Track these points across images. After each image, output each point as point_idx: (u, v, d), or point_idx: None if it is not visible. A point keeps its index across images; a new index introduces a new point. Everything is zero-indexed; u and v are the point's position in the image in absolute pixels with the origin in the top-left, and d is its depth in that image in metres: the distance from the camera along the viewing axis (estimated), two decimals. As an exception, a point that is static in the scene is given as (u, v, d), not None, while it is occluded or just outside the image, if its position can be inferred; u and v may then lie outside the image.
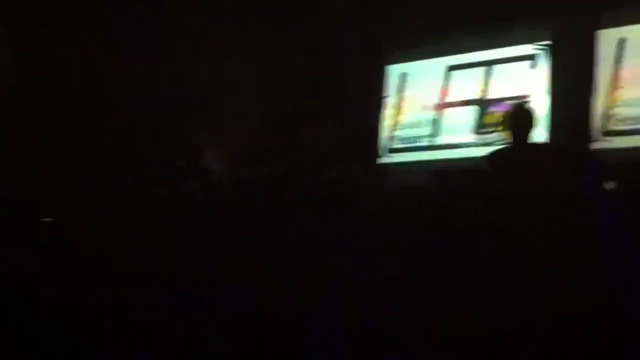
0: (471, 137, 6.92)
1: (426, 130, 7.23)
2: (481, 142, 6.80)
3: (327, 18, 7.45)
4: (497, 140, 6.39)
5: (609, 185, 4.54)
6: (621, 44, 6.16)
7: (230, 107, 7.54)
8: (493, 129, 6.68)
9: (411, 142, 7.32)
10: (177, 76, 7.38)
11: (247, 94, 7.66)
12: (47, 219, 5.35)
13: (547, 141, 6.06)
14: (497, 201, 4.57)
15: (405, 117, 7.42)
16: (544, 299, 3.81)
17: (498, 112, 6.63)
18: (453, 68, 7.18)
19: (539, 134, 5.78)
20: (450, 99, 7.17)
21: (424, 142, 7.22)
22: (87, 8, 7.34)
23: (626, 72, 6.10)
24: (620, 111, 6.07)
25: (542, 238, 4.12)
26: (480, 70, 7.00)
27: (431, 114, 7.24)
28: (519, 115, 4.70)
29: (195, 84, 7.51)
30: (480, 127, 6.90)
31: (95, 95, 7.35)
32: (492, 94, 6.89)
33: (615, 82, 6.14)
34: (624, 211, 4.34)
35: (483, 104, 6.93)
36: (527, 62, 6.72)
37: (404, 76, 7.52)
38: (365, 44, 7.44)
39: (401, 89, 7.52)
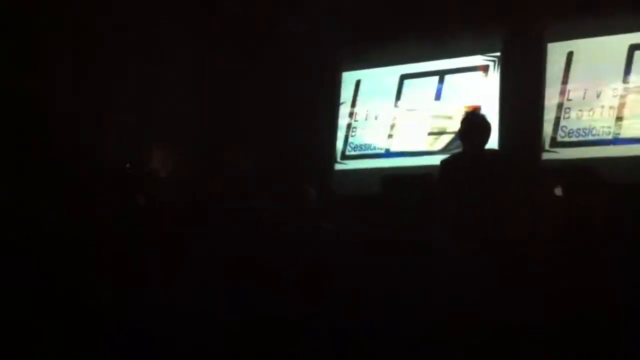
0: (425, 145, 7.04)
1: (380, 138, 7.33)
2: (433, 150, 6.93)
3: (285, 24, 7.51)
4: (450, 148, 6.56)
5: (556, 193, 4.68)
6: (569, 56, 6.36)
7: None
8: (446, 137, 6.83)
9: (365, 150, 7.40)
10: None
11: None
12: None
13: (497, 150, 6.21)
14: (448, 207, 4.67)
15: (359, 125, 7.50)
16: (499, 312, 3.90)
17: (450, 121, 6.79)
18: (406, 76, 7.30)
19: (491, 143, 5.95)
20: (403, 106, 7.28)
21: (378, 150, 7.31)
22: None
23: (573, 85, 6.29)
24: (567, 123, 6.26)
25: (491, 244, 4.23)
26: (433, 79, 7.13)
27: (385, 122, 7.34)
28: (470, 125, 4.80)
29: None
30: (433, 135, 7.02)
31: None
32: (444, 103, 7.02)
33: (562, 95, 6.34)
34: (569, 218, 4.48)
35: (436, 112, 7.06)
36: (478, 73, 6.88)
37: (358, 83, 7.61)
38: (321, 50, 7.50)
39: (356, 96, 7.60)
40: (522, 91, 6.48)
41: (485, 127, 4.71)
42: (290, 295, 4.27)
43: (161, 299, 4.09)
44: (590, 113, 6.16)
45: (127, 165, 6.79)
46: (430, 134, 7.03)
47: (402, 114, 7.27)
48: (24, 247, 4.64)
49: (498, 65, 6.76)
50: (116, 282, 4.24)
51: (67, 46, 7.13)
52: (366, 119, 7.46)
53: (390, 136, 7.28)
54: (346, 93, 7.64)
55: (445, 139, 6.86)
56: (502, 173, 4.55)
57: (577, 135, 6.18)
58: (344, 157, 7.53)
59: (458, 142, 5.06)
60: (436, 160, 6.61)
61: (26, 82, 6.85)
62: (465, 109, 6.62)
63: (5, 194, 5.54)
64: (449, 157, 4.83)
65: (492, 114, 6.58)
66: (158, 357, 3.78)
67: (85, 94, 7.10)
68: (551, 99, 6.37)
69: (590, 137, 6.11)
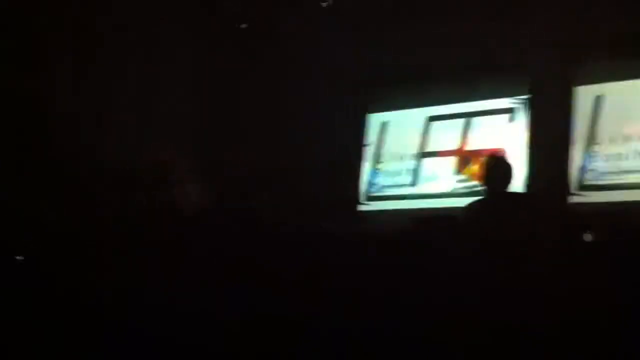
0: (450, 187, 7.00)
1: (405, 179, 7.30)
2: (460, 192, 6.88)
3: (310, 65, 7.56)
4: (475, 191, 6.50)
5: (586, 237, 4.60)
6: (598, 100, 6.31)
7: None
8: (471, 180, 6.78)
9: (391, 191, 7.38)
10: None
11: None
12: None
13: (521, 193, 6.15)
14: (474, 251, 4.61)
15: (385, 166, 7.49)
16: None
17: (476, 163, 6.74)
18: (433, 119, 7.30)
19: (517, 186, 5.89)
20: (429, 148, 7.26)
21: (404, 191, 7.28)
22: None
23: (602, 128, 6.24)
24: (597, 166, 6.19)
25: (518, 288, 4.16)
26: (460, 121, 7.11)
27: (411, 163, 7.32)
28: (495, 168, 4.76)
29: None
30: (459, 177, 6.98)
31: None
32: (470, 146, 7.00)
33: (591, 138, 6.28)
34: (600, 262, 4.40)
35: (462, 154, 7.03)
36: (506, 115, 6.85)
37: (384, 125, 7.62)
38: (347, 91, 7.54)
39: (381, 137, 7.60)
40: (550, 134, 6.43)
41: (507, 170, 4.65)
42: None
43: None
44: (619, 156, 6.09)
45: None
46: (456, 176, 6.99)
47: (428, 155, 7.24)
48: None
49: (526, 108, 6.73)
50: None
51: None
52: (392, 161, 7.45)
53: (415, 178, 7.25)
54: (372, 135, 7.64)
55: (471, 182, 6.81)
56: (526, 216, 4.49)
57: (606, 179, 6.11)
58: (370, 198, 7.51)
59: (482, 186, 4.99)
60: (462, 202, 6.59)
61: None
62: (491, 152, 6.59)
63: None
64: (473, 201, 4.77)
65: (519, 156, 6.57)
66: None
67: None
68: (579, 142, 6.31)
69: (618, 181, 6.03)
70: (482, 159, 5.87)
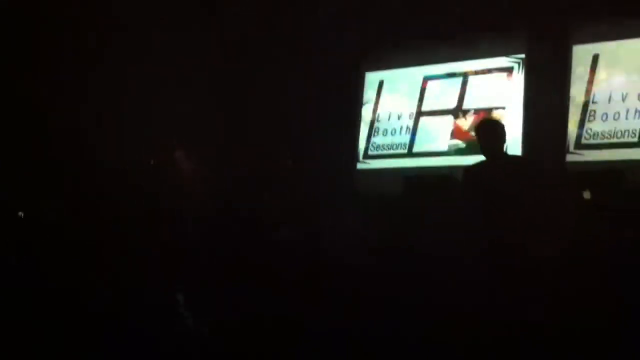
0: (446, 146, 7.04)
1: (403, 138, 7.33)
2: (456, 150, 6.93)
3: (308, 24, 7.52)
4: (471, 150, 6.56)
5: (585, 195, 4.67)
6: (595, 59, 6.33)
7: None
8: (467, 138, 6.83)
9: (387, 150, 7.41)
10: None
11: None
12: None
13: (520, 154, 6.20)
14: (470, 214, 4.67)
15: (382, 125, 7.51)
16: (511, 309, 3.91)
17: (471, 122, 6.79)
18: (430, 78, 7.30)
19: (513, 145, 5.95)
20: (426, 107, 7.28)
21: (400, 150, 7.32)
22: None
23: (599, 87, 6.27)
24: (592, 125, 6.24)
25: (514, 248, 4.23)
26: (456, 80, 7.12)
27: (407, 122, 7.34)
28: (487, 129, 4.80)
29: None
30: (455, 136, 7.02)
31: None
32: (467, 105, 7.02)
33: (588, 97, 6.31)
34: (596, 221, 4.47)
35: (458, 113, 7.05)
36: (503, 74, 6.86)
37: (381, 84, 7.62)
38: (344, 51, 7.52)
39: (379, 96, 7.61)
40: (547, 93, 6.45)
41: (498, 133, 4.70)
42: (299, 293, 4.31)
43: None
44: (616, 115, 6.13)
45: (151, 161, 6.82)
46: (452, 135, 7.03)
47: (425, 114, 7.26)
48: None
49: (522, 67, 6.74)
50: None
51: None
52: (389, 119, 7.47)
53: (412, 137, 7.28)
54: (369, 93, 7.65)
55: (467, 141, 6.86)
56: (525, 179, 4.54)
57: (602, 137, 6.16)
58: (366, 156, 7.54)
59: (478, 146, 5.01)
60: (458, 161, 6.65)
61: (43, 86, 6.90)
62: (486, 111, 6.65)
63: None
64: (472, 165, 4.82)
65: (516, 116, 6.61)
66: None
67: (101, 95, 7.15)
68: (576, 101, 6.35)
69: (615, 140, 6.09)
70: (475, 124, 5.90)
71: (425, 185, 6.13)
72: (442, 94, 7.18)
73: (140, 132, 7.27)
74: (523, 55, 6.76)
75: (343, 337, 3.93)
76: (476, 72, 7.03)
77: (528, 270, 3.95)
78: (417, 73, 7.36)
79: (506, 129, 4.72)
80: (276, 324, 4.04)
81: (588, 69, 6.34)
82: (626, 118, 6.06)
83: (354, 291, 4.42)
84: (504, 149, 4.72)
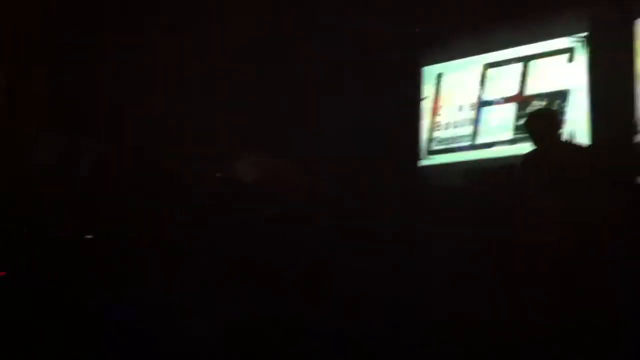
0: (510, 135, 6.82)
1: (465, 130, 7.15)
2: (521, 139, 6.70)
3: (362, 20, 7.42)
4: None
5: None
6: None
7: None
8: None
9: (450, 143, 7.25)
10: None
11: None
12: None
13: (577, 141, 5.95)
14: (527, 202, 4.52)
15: (443, 118, 7.35)
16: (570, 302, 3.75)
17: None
18: (489, 65, 7.09)
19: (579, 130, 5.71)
20: (488, 97, 7.08)
21: (464, 143, 7.14)
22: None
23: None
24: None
25: (572, 241, 4.06)
26: (517, 66, 6.89)
27: (469, 114, 7.16)
28: (539, 120, 4.67)
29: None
30: (520, 124, 6.79)
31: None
32: (530, 90, 6.78)
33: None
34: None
35: (521, 100, 6.82)
36: (565, 56, 6.59)
37: (440, 76, 7.45)
38: (401, 45, 7.39)
39: (438, 89, 7.44)
40: (612, 73, 6.16)
41: (554, 121, 4.55)
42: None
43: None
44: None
45: (218, 174, 6.85)
46: (516, 123, 6.80)
47: (487, 104, 7.06)
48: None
49: (586, 46, 6.45)
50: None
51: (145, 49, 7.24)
52: (450, 112, 7.30)
53: (475, 128, 7.09)
54: (428, 88, 7.49)
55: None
56: (580, 169, 4.36)
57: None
58: (430, 152, 7.40)
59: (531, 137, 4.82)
60: (523, 149, 6.42)
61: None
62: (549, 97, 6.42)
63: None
64: (527, 152, 4.67)
65: (580, 98, 6.34)
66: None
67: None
68: (643, 78, 6.04)
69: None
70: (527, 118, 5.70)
71: (489, 176, 5.95)
72: (503, 82, 6.96)
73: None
74: (586, 34, 6.47)
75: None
76: (537, 56, 6.77)
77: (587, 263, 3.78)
78: (475, 62, 7.16)
79: (558, 116, 4.56)
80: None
81: (654, 43, 6.02)
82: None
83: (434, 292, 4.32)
84: (559, 137, 4.57)
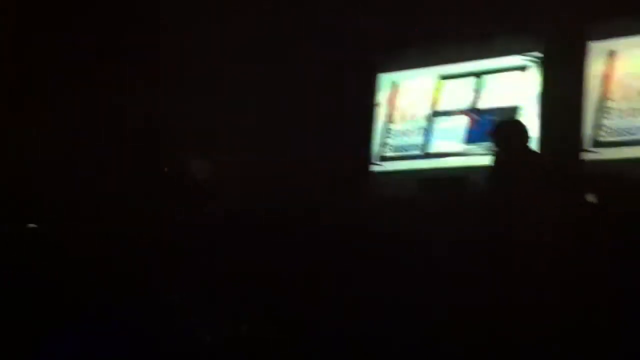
0: (462, 146, 6.95)
1: (418, 139, 7.25)
2: (472, 151, 6.84)
3: (320, 26, 7.48)
4: (488, 150, 6.47)
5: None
6: (612, 55, 6.21)
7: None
8: (483, 139, 6.73)
9: (402, 151, 7.34)
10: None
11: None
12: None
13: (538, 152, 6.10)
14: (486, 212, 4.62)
15: (396, 126, 7.44)
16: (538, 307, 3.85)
17: (488, 122, 6.68)
18: (444, 77, 7.22)
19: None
20: (441, 107, 7.20)
21: (415, 151, 7.24)
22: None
23: (615, 84, 6.15)
24: (610, 123, 6.12)
25: (533, 246, 4.17)
26: (471, 80, 7.03)
27: (422, 123, 7.27)
28: (508, 128, 4.77)
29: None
30: (471, 136, 6.93)
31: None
32: (482, 104, 6.93)
33: (605, 94, 6.19)
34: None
35: (473, 113, 6.96)
36: (518, 73, 6.76)
37: (395, 84, 7.55)
38: (358, 52, 7.46)
39: (392, 97, 7.54)
40: (563, 91, 6.35)
41: (523, 131, 4.66)
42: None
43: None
44: (633, 112, 6.01)
45: (165, 169, 6.82)
46: (467, 135, 6.94)
47: (439, 115, 7.18)
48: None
49: (538, 65, 6.64)
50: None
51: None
52: (403, 121, 7.40)
53: (427, 138, 7.20)
54: (383, 95, 7.57)
55: (483, 141, 6.77)
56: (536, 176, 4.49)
57: (619, 135, 6.04)
58: (381, 158, 7.48)
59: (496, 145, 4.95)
60: (473, 161, 6.57)
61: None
62: (504, 111, 6.57)
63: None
64: (495, 158, 4.78)
65: (532, 114, 6.51)
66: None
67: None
68: (593, 98, 6.23)
69: (632, 137, 5.96)
70: (496, 121, 5.83)
71: (440, 187, 6.06)
72: (457, 94, 7.09)
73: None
74: (539, 54, 6.65)
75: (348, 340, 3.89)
76: (491, 71, 6.93)
77: (530, 268, 3.91)
78: (431, 73, 7.27)
79: (525, 126, 4.69)
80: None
81: (605, 66, 6.22)
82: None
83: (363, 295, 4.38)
84: (525, 146, 4.67)
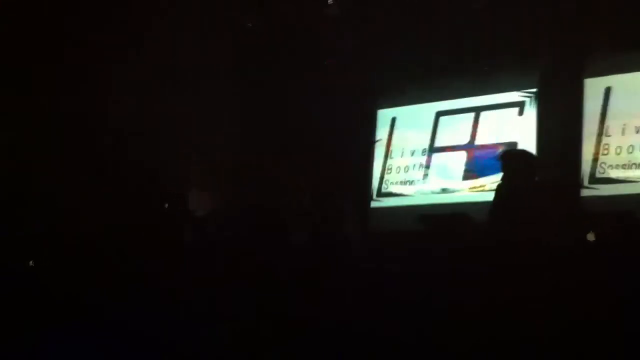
0: (460, 182, 6.98)
1: (416, 175, 7.29)
2: (470, 187, 6.87)
3: (319, 63, 7.56)
4: (488, 185, 6.51)
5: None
6: (607, 92, 6.28)
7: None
8: (481, 174, 6.78)
9: (401, 187, 7.37)
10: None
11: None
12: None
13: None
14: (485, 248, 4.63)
15: (395, 162, 7.48)
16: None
17: (486, 157, 6.73)
18: (442, 113, 7.28)
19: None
20: (439, 143, 7.25)
21: (415, 187, 7.27)
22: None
23: (612, 120, 6.20)
24: (606, 159, 6.16)
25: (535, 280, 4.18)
26: (469, 115, 7.09)
27: (421, 159, 7.31)
28: (514, 159, 4.81)
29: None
30: (468, 171, 6.97)
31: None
32: (479, 140, 6.98)
33: (601, 130, 6.24)
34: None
35: (471, 149, 7.01)
36: (515, 109, 6.82)
37: (394, 120, 7.61)
38: (357, 87, 7.53)
39: (391, 133, 7.59)
40: (559, 127, 6.40)
41: (530, 161, 4.71)
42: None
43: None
44: (630, 149, 6.05)
45: (166, 205, 6.84)
46: (466, 170, 6.98)
47: (438, 151, 7.23)
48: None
49: (535, 101, 6.70)
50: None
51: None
52: (402, 156, 7.44)
53: (426, 173, 7.24)
54: (382, 130, 7.63)
55: (481, 176, 6.81)
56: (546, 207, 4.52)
57: (617, 171, 6.07)
58: (380, 194, 7.51)
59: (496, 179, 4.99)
60: (472, 197, 6.60)
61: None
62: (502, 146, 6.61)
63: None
64: (499, 185, 4.81)
65: (529, 150, 6.54)
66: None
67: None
68: (589, 135, 6.28)
69: (630, 174, 6.00)
70: (500, 152, 5.88)
71: (439, 223, 6.07)
72: (455, 130, 7.15)
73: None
74: (535, 90, 6.72)
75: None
76: (488, 107, 6.99)
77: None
78: (429, 109, 7.34)
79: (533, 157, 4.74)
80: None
81: (601, 102, 6.28)
82: (640, 151, 5.98)
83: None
84: (531, 177, 4.69)
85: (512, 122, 6.80)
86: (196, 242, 5.48)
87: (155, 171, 6.97)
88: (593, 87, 6.36)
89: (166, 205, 6.69)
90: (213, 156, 7.64)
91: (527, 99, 6.74)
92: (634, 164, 5.99)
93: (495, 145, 6.80)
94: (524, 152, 5.24)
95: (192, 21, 7.46)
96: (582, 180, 6.19)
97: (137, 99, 7.23)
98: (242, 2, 7.57)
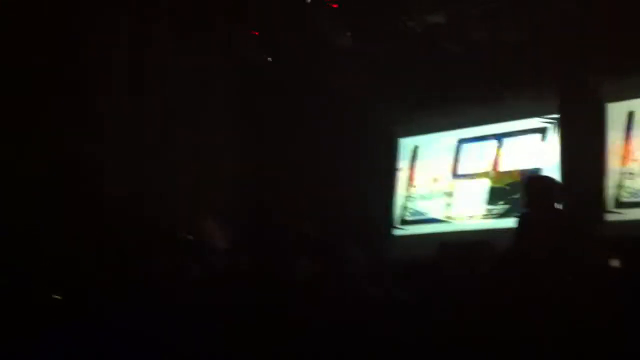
0: (484, 209, 6.94)
1: (439, 203, 7.27)
2: (494, 214, 6.83)
3: (341, 91, 7.59)
4: (509, 212, 6.46)
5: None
6: (630, 117, 6.23)
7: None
8: (504, 201, 6.73)
9: (423, 215, 7.35)
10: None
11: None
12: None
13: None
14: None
15: (417, 190, 7.47)
16: None
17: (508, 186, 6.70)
18: (464, 141, 7.27)
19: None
20: (461, 171, 7.23)
21: (436, 215, 7.24)
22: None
23: (636, 144, 6.15)
24: (631, 183, 6.10)
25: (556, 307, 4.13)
26: (491, 143, 7.07)
27: (444, 186, 7.29)
28: (538, 185, 4.78)
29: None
30: (492, 199, 6.92)
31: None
32: (502, 167, 6.95)
33: (625, 155, 6.19)
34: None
35: (494, 176, 6.98)
36: (537, 135, 6.79)
37: (415, 149, 7.60)
38: (378, 116, 7.55)
39: (413, 161, 7.59)
40: (583, 152, 6.36)
41: (553, 187, 4.68)
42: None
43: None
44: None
45: (190, 236, 6.83)
46: (489, 197, 6.94)
47: (460, 178, 7.21)
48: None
49: (557, 127, 6.67)
50: None
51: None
52: (424, 184, 7.42)
53: (448, 201, 7.21)
54: (404, 159, 7.63)
55: (504, 203, 6.77)
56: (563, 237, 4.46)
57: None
58: (403, 222, 7.49)
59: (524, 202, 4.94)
60: (495, 224, 6.55)
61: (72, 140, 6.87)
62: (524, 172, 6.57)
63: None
64: (523, 213, 4.78)
65: (552, 176, 6.50)
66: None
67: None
68: (613, 159, 6.23)
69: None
70: (524, 178, 5.85)
71: (462, 251, 6.03)
72: (477, 157, 7.13)
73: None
74: (557, 115, 6.69)
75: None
76: (510, 134, 6.97)
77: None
78: (451, 136, 7.33)
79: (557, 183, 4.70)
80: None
81: (624, 126, 6.23)
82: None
83: None
84: (554, 203, 4.64)
85: (535, 148, 6.77)
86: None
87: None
88: (616, 112, 6.32)
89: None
90: (230, 193, 7.65)
91: (549, 125, 6.71)
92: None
93: (518, 172, 6.77)
94: (548, 178, 5.19)
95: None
96: (607, 204, 6.13)
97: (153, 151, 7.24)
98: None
